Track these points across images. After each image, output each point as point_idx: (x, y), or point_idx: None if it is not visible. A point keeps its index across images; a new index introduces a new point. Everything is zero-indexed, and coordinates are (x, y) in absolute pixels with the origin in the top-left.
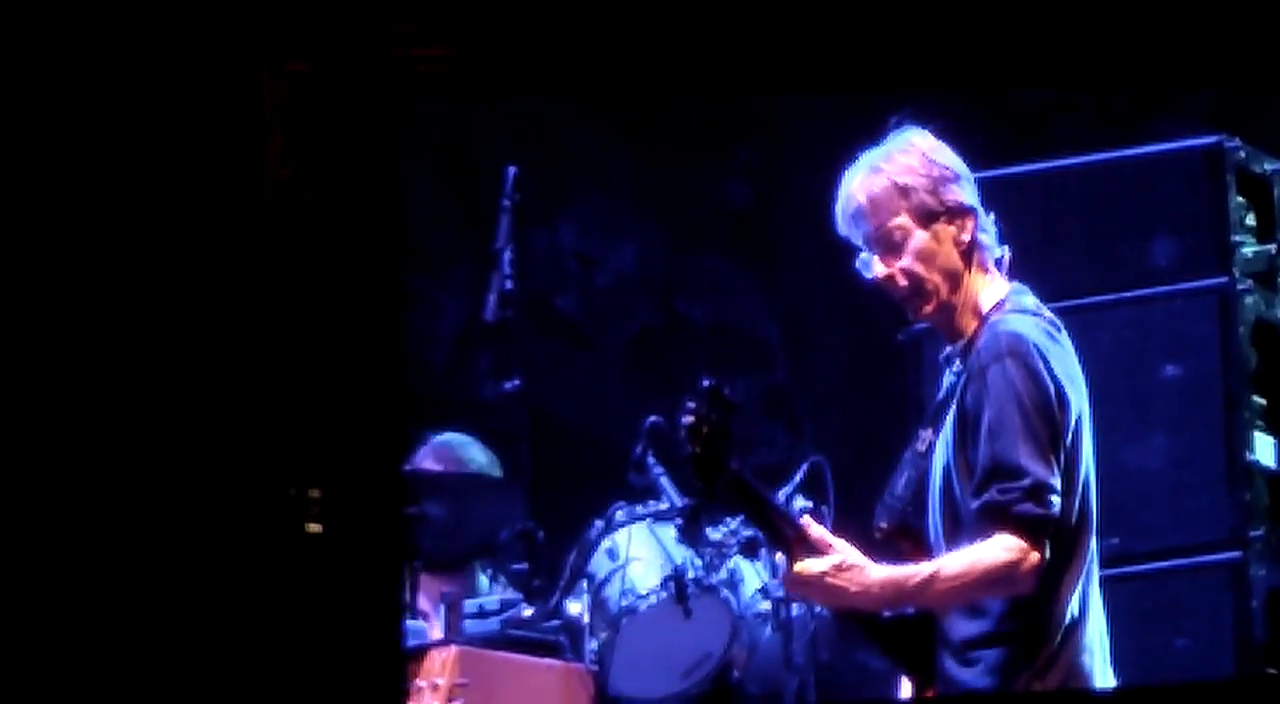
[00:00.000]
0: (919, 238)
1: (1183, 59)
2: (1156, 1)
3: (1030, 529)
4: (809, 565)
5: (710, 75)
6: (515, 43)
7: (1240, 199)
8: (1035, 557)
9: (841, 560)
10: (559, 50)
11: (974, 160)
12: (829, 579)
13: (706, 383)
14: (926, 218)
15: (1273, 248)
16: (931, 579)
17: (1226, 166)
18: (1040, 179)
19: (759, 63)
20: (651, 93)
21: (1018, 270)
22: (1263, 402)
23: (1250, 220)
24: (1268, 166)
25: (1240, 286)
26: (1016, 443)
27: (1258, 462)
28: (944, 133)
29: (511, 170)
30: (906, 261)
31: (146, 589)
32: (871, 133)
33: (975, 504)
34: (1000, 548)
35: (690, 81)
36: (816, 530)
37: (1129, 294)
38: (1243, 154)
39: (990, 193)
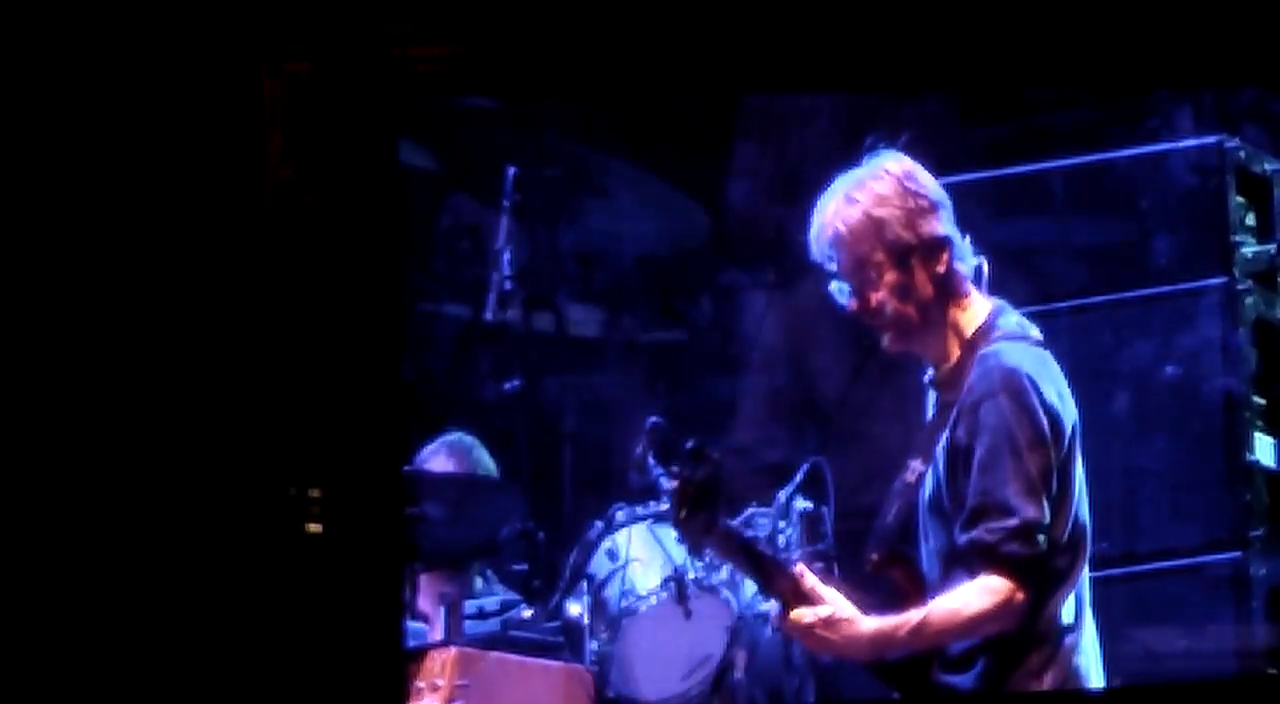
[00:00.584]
0: (893, 273)
1: (1183, 58)
2: (1156, 2)
3: (1017, 569)
4: (801, 615)
5: (710, 74)
6: (515, 43)
7: (1240, 199)
8: (1021, 596)
9: (832, 613)
10: (559, 50)
11: (974, 158)
12: (819, 631)
13: (690, 445)
14: (901, 252)
15: (1273, 248)
16: (920, 628)
17: (1226, 166)
18: (1041, 178)
19: (759, 62)
20: (652, 92)
21: (1017, 271)
22: (1263, 402)
23: (1250, 220)
24: (1268, 166)
25: (1240, 287)
26: (1006, 481)
27: (1258, 461)
28: (934, 137)
29: (511, 171)
30: (881, 295)
31: (147, 589)
32: (875, 129)
33: (963, 540)
34: (986, 591)
35: (691, 80)
36: (809, 581)
37: (1129, 294)
38: (1243, 154)
39: (990, 192)
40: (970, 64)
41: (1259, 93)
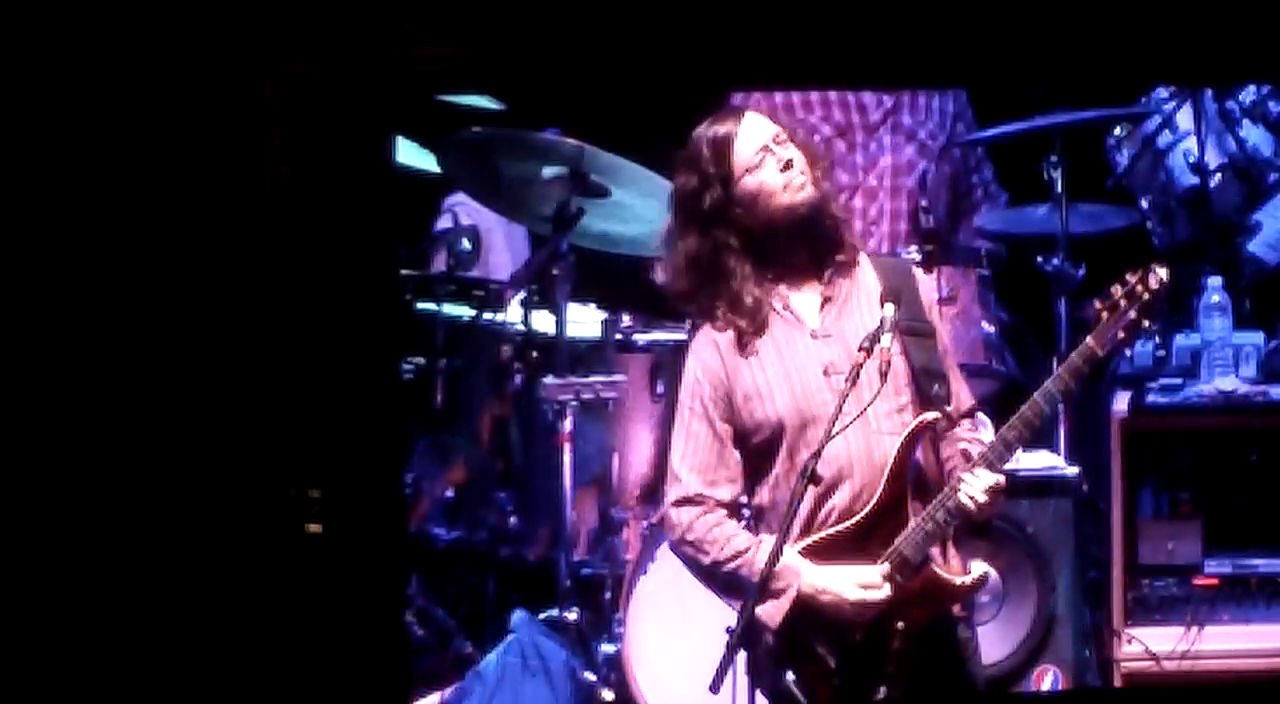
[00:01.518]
0: None
1: (1183, 58)
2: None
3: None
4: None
5: (711, 73)
6: (515, 43)
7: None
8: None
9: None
10: (559, 49)
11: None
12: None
13: None
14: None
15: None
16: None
17: (1226, 166)
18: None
19: (758, 61)
20: (652, 89)
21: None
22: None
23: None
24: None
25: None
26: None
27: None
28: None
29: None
30: None
31: (148, 589)
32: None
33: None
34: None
35: (691, 78)
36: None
37: None
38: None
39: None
40: (970, 62)
41: (1259, 92)
